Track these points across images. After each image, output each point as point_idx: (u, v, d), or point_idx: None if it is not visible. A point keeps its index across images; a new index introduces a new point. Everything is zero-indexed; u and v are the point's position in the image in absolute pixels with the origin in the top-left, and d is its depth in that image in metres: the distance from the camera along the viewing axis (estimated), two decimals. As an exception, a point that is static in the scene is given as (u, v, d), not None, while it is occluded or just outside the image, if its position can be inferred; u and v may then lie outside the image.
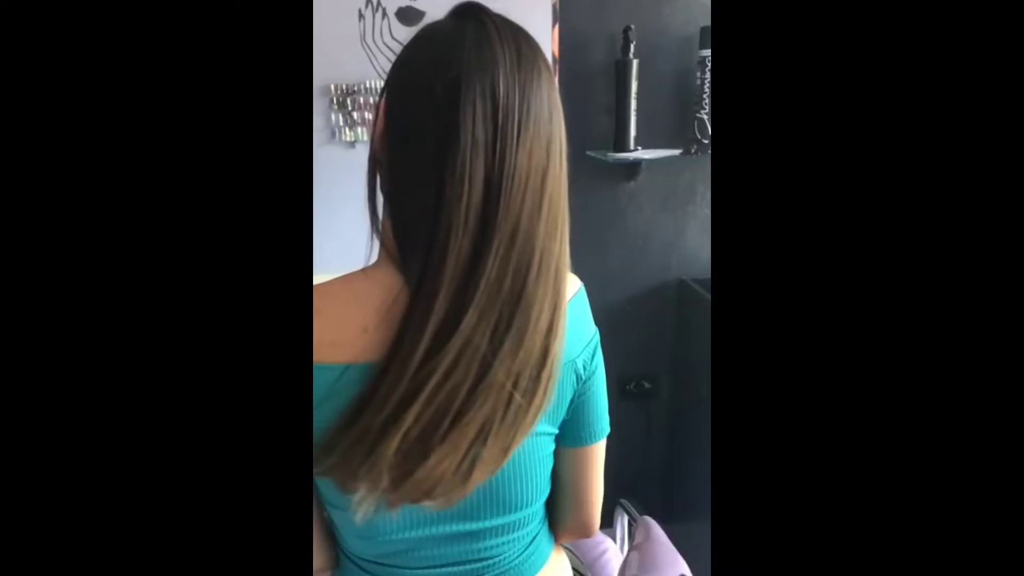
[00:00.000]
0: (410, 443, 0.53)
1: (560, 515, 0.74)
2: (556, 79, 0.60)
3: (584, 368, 0.64)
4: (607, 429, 0.70)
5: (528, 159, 0.53)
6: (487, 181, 0.52)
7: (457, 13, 0.58)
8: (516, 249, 0.53)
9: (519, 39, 0.56)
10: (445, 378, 0.52)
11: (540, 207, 0.54)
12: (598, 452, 0.71)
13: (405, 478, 0.55)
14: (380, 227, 0.60)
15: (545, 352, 0.56)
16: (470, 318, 0.52)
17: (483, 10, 0.57)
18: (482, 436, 0.55)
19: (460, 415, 0.54)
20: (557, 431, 0.66)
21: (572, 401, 0.65)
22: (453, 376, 0.53)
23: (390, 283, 0.56)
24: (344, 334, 0.56)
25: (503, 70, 0.53)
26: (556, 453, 0.68)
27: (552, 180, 0.55)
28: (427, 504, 0.57)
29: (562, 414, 0.65)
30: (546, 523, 0.74)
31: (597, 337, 0.66)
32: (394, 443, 0.53)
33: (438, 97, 0.53)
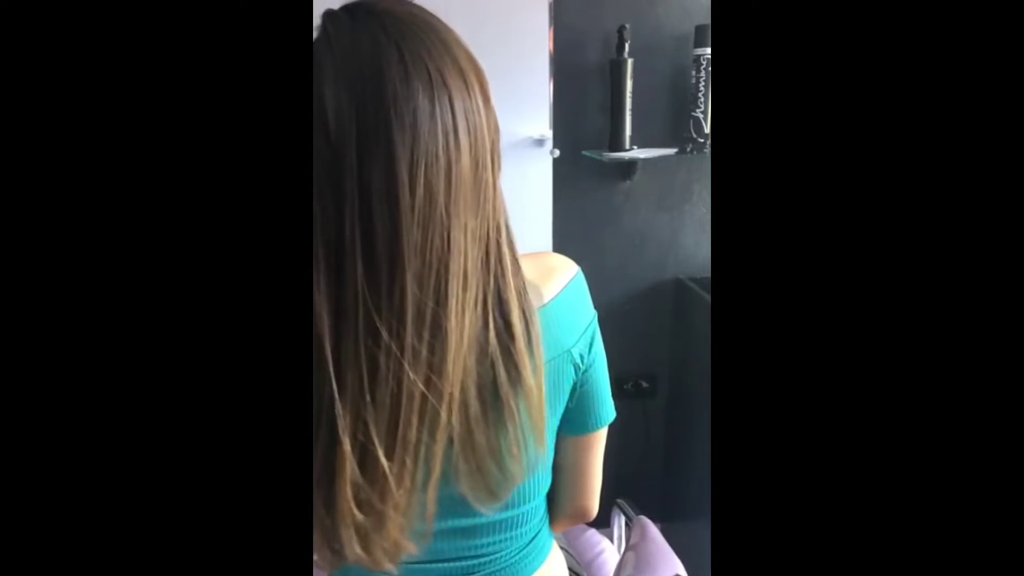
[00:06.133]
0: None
1: (559, 500, 0.73)
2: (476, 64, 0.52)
3: (582, 358, 0.63)
4: (612, 414, 0.68)
5: (389, 169, 0.47)
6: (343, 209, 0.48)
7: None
8: (430, 269, 0.49)
9: (364, 39, 0.48)
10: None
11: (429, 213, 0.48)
12: (600, 438, 0.70)
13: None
14: None
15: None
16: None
17: (326, 20, 0.51)
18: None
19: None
20: (558, 423, 0.66)
21: (573, 391, 0.64)
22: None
23: None
24: None
25: (327, 91, 0.47)
26: (557, 441, 0.67)
27: (437, 186, 0.48)
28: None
29: (562, 406, 0.64)
30: (547, 521, 0.73)
31: (595, 323, 0.65)
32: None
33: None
